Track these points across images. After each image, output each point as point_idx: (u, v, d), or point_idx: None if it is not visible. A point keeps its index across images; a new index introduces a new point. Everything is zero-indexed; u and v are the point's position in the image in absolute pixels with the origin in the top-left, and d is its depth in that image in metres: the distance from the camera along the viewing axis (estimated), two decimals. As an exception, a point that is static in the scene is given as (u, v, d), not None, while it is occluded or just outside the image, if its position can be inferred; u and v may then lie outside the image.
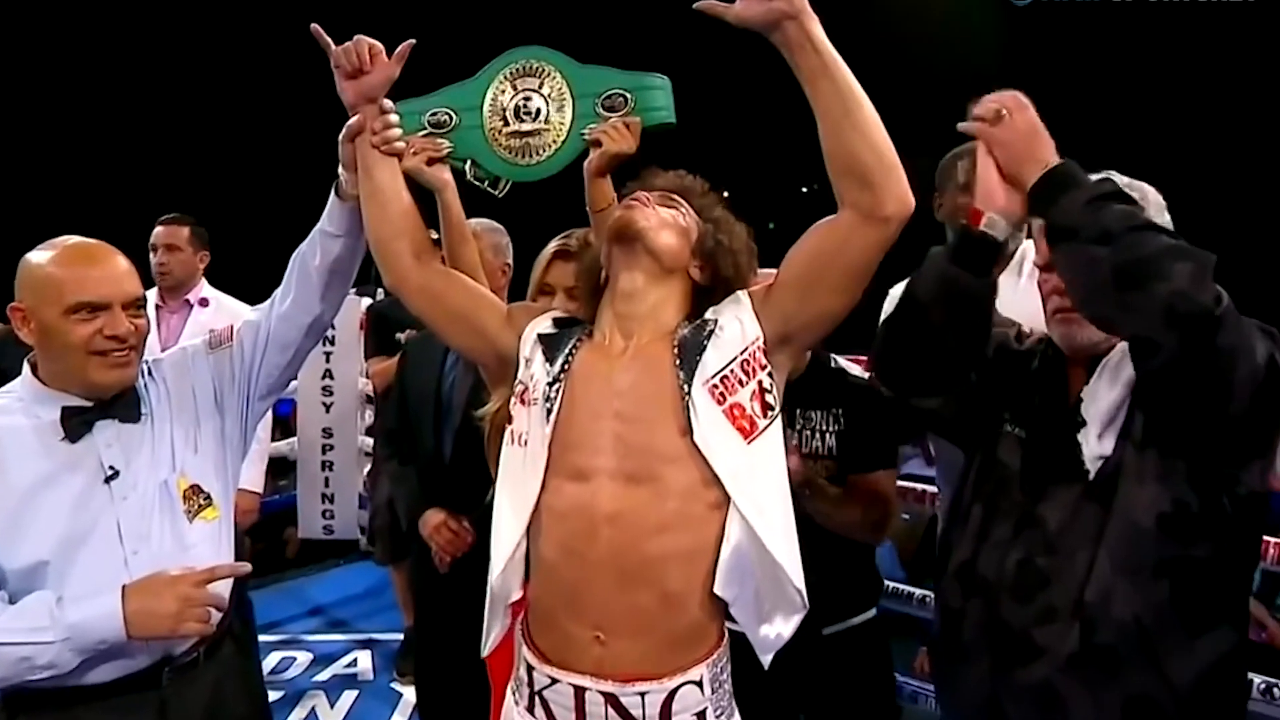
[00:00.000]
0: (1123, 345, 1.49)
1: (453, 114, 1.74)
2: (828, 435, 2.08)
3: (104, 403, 1.59)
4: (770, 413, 1.38)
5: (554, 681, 1.37)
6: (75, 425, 1.56)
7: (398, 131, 1.62)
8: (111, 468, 1.57)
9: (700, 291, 1.51)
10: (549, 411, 1.38)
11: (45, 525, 1.51)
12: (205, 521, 1.65)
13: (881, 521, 2.08)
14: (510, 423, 1.47)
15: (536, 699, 1.40)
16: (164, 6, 8.40)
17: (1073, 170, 1.43)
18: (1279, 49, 7.03)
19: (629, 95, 1.77)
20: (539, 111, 1.78)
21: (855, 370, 2.20)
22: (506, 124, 1.77)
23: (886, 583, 3.37)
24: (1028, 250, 2.26)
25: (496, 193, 1.78)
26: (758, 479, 1.35)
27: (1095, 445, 1.47)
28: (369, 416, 4.93)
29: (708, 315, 1.45)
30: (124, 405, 1.61)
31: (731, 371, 1.36)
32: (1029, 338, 1.74)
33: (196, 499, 1.64)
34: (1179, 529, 1.41)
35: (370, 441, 4.79)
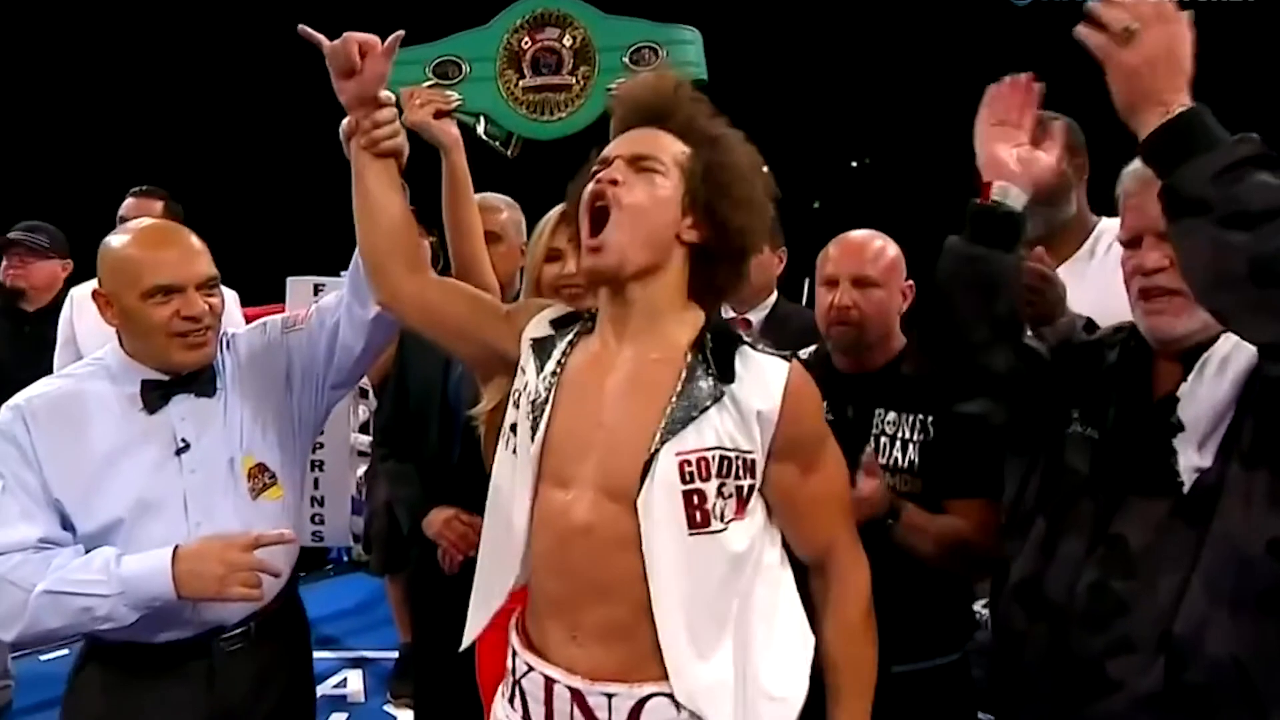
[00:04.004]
0: (1230, 338, 1.40)
1: (463, 63, 1.74)
2: (910, 445, 1.93)
3: (181, 377, 1.77)
4: (737, 523, 1.37)
5: (530, 670, 1.44)
6: (153, 398, 1.74)
7: (387, 130, 1.59)
8: (184, 440, 1.75)
9: (702, 255, 1.42)
10: (534, 428, 1.42)
11: (119, 491, 1.69)
12: (269, 500, 1.82)
13: (985, 560, 1.86)
14: (511, 429, 1.49)
15: (516, 688, 1.47)
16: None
17: (1204, 121, 1.26)
18: (1279, 49, 7.18)
19: (659, 49, 1.77)
20: (560, 64, 1.77)
21: None
22: (523, 76, 1.76)
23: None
24: (1102, 231, 2.22)
25: (508, 152, 1.77)
26: (683, 579, 1.35)
27: (1194, 456, 1.39)
28: (363, 412, 4.94)
29: (725, 388, 1.36)
30: (201, 380, 1.78)
31: (704, 460, 1.35)
32: (1100, 329, 1.69)
33: (261, 477, 1.81)
34: None
35: (365, 439, 4.80)
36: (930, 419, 1.92)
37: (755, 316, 3.00)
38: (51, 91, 8.54)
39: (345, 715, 3.63)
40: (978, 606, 3.18)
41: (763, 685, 1.39)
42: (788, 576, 1.46)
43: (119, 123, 8.56)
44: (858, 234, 2.03)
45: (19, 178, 7.14)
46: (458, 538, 2.30)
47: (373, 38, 1.54)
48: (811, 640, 1.46)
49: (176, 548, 1.64)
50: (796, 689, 1.42)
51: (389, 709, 3.68)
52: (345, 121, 1.60)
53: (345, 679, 3.92)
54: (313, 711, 2.05)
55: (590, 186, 1.40)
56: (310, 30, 1.55)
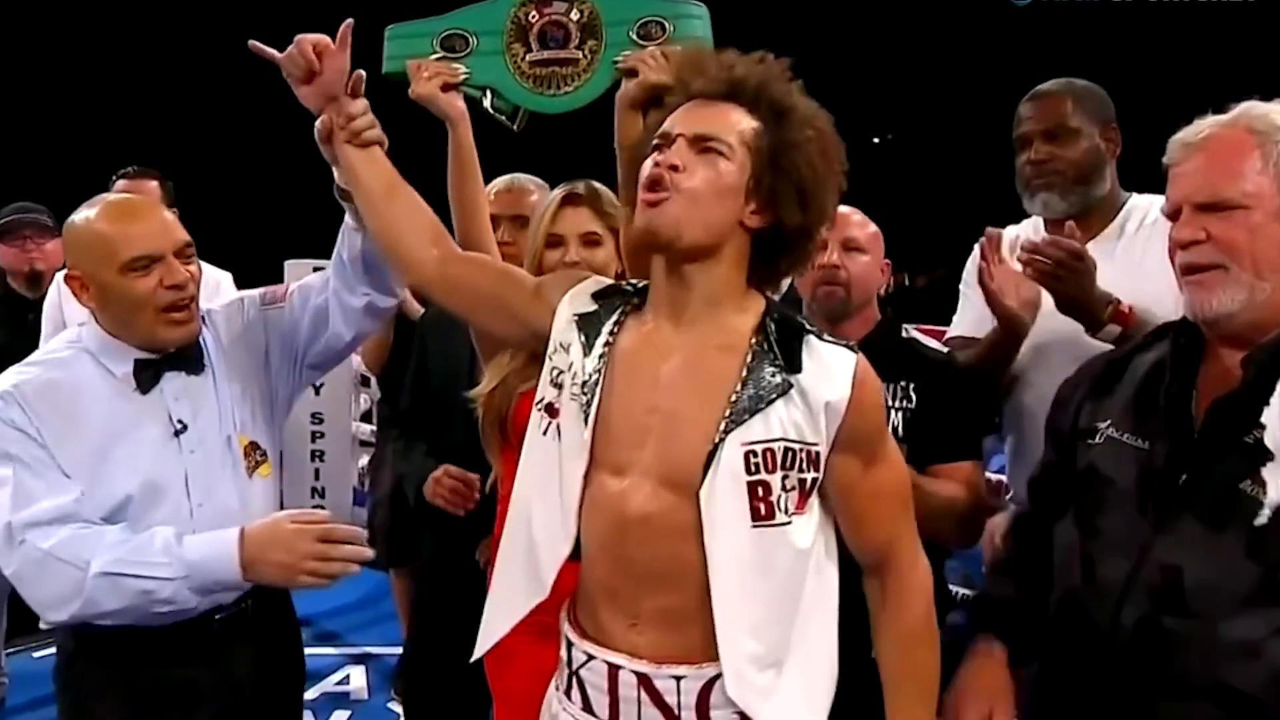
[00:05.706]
0: None
1: (470, 37, 1.78)
2: (893, 413, 1.99)
3: (170, 355, 1.78)
4: (798, 517, 1.38)
5: (590, 659, 1.44)
6: (146, 378, 1.76)
7: (365, 119, 1.60)
8: (180, 421, 1.77)
9: (766, 240, 1.41)
10: (587, 414, 1.41)
11: (125, 474, 1.71)
12: (262, 478, 1.86)
13: (973, 521, 2.02)
14: (545, 410, 1.49)
15: (574, 680, 1.47)
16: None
17: None
18: (1279, 49, 7.24)
19: (666, 23, 1.81)
20: (567, 38, 1.81)
21: (930, 343, 2.14)
22: (530, 50, 1.80)
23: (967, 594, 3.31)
24: (1131, 209, 2.24)
25: (514, 126, 1.81)
26: (744, 571, 1.36)
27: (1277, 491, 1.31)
28: (365, 401, 4.97)
29: (793, 379, 1.35)
30: (189, 356, 1.80)
31: (770, 451, 1.36)
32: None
33: (254, 454, 1.86)
34: None
35: (367, 429, 4.84)
36: (912, 385, 2.01)
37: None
38: (44, 73, 8.61)
39: (348, 713, 3.67)
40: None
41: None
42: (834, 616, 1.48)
43: (113, 105, 8.62)
44: (843, 207, 2.09)
45: (9, 160, 7.19)
46: (449, 493, 2.27)
47: (324, 37, 1.56)
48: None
49: (243, 530, 1.66)
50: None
51: (392, 706, 3.71)
52: (319, 123, 1.61)
53: (348, 675, 3.96)
54: (301, 686, 2.09)
55: (648, 169, 1.37)
56: (260, 45, 1.58)
